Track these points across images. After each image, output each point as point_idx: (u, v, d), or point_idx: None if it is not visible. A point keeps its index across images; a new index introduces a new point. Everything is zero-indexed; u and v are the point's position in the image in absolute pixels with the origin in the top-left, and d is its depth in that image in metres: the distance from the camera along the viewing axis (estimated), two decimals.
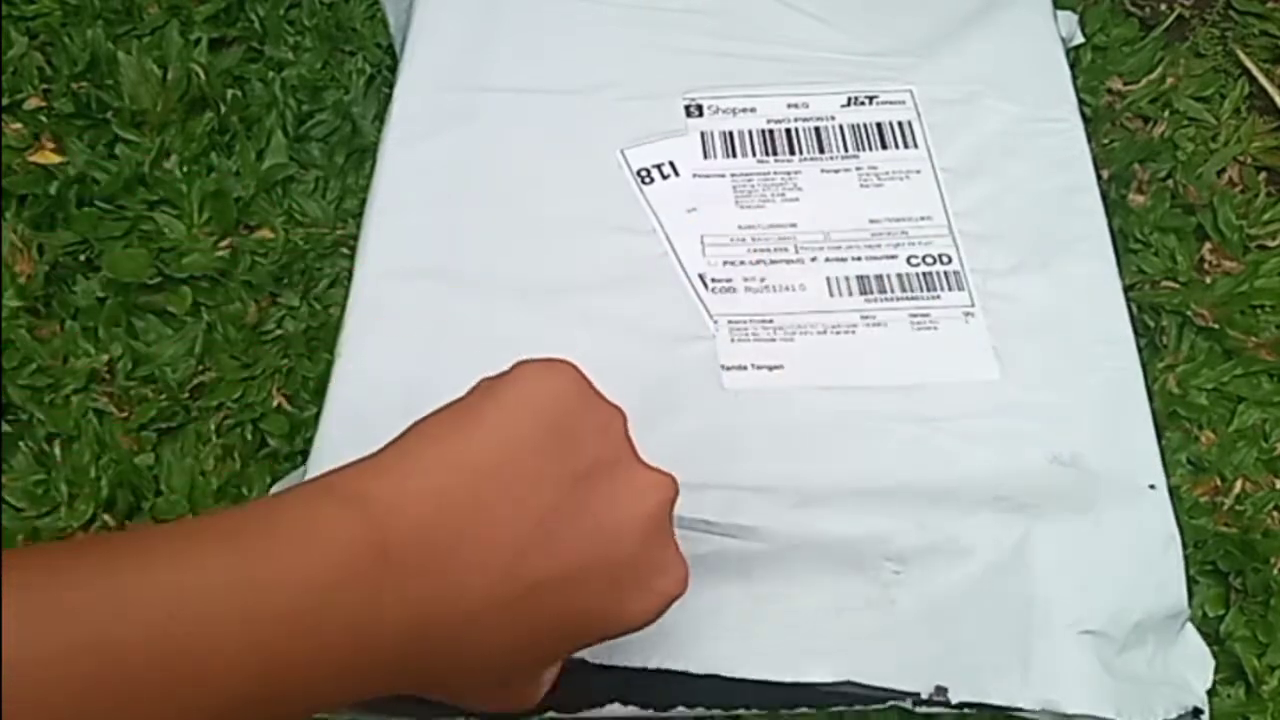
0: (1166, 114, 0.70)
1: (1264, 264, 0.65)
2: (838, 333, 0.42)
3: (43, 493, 0.50)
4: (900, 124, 0.48)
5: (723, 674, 0.35)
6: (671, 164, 0.47)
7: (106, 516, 0.53)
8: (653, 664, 0.36)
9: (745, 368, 0.41)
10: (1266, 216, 0.67)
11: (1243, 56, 0.72)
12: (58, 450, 0.51)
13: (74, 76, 0.63)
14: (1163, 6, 0.75)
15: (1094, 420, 0.40)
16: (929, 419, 0.40)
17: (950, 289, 0.43)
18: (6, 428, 0.52)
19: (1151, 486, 0.39)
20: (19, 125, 0.62)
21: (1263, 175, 0.69)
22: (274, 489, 0.49)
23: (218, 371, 0.54)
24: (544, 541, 0.30)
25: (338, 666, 0.27)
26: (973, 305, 0.43)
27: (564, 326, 0.42)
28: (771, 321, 0.42)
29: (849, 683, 0.35)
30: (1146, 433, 0.40)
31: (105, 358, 0.54)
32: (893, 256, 0.44)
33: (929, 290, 0.43)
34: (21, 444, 0.51)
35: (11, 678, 0.22)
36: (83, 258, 0.58)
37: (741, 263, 0.44)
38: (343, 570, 0.27)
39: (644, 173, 0.46)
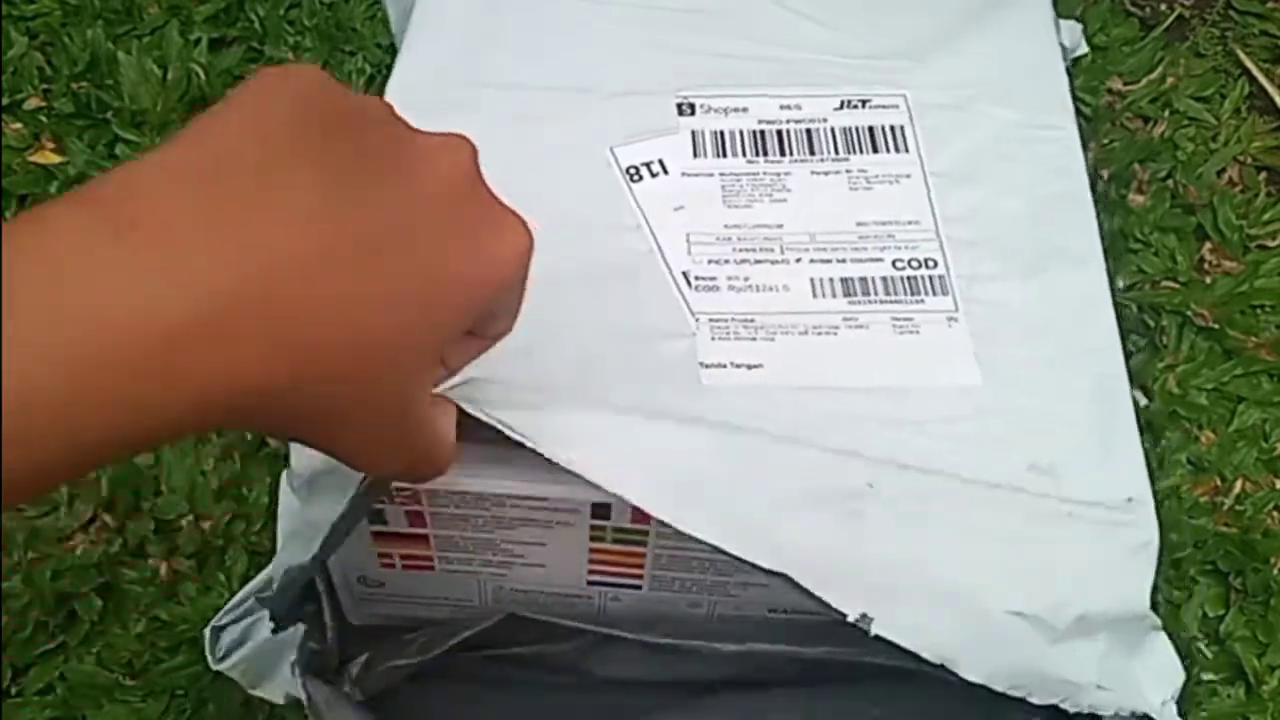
0: (1166, 114, 0.70)
1: (1264, 264, 0.64)
2: (819, 334, 0.42)
3: None
4: (892, 128, 0.48)
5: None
6: (661, 162, 0.47)
7: (107, 516, 0.53)
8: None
9: (725, 366, 0.41)
10: (1266, 216, 0.67)
11: (1243, 56, 0.72)
12: None
13: (74, 76, 0.64)
14: (1163, 6, 0.74)
15: (1075, 429, 0.40)
16: (908, 422, 0.40)
17: (934, 293, 0.43)
18: None
19: (1129, 500, 0.39)
20: (19, 125, 0.62)
21: (1263, 175, 0.68)
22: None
23: None
24: (343, 189, 0.24)
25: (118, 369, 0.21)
26: (956, 310, 0.43)
27: (545, 318, 0.42)
28: (753, 321, 0.42)
29: (787, 576, 0.35)
30: (1130, 443, 0.40)
31: None
32: (878, 259, 0.44)
33: (912, 294, 0.43)
34: None
35: None
36: None
37: (726, 261, 0.44)
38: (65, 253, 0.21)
39: (633, 170, 0.46)
